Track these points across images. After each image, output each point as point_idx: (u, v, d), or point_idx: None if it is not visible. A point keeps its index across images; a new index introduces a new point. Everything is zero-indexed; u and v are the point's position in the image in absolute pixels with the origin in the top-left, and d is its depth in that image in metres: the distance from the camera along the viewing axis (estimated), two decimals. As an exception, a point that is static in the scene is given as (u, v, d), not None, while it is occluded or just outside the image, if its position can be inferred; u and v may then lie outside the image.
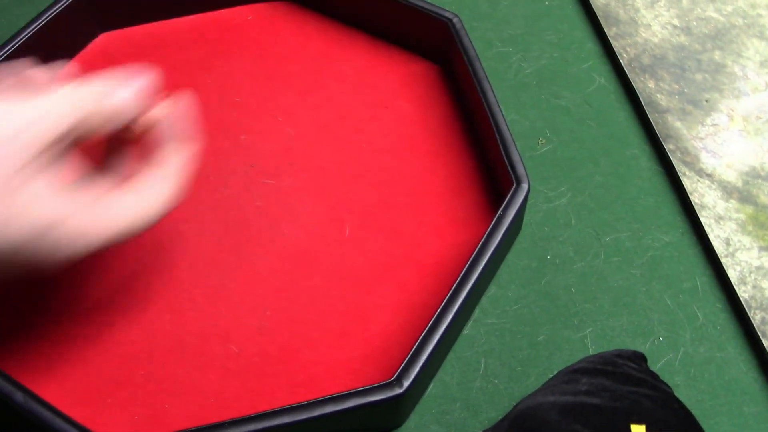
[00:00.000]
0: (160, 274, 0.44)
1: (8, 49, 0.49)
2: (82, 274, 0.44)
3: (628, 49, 0.55)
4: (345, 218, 0.46)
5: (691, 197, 0.47)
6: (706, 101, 0.52)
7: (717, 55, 0.54)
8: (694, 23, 0.56)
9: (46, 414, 0.36)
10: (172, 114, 0.37)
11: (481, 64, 0.48)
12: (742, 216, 0.47)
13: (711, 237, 0.46)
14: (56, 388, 0.40)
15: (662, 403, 0.36)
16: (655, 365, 0.42)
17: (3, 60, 0.49)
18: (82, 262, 0.44)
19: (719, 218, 0.46)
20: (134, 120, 0.35)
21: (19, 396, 0.36)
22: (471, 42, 0.49)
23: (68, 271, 0.44)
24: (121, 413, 0.39)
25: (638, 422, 0.34)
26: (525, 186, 0.43)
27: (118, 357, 0.41)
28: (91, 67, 0.54)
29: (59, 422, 0.35)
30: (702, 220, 0.46)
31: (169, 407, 0.39)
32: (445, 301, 0.39)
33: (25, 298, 0.43)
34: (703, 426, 0.36)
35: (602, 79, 0.54)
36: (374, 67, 0.53)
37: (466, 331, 0.43)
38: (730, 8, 0.57)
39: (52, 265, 0.33)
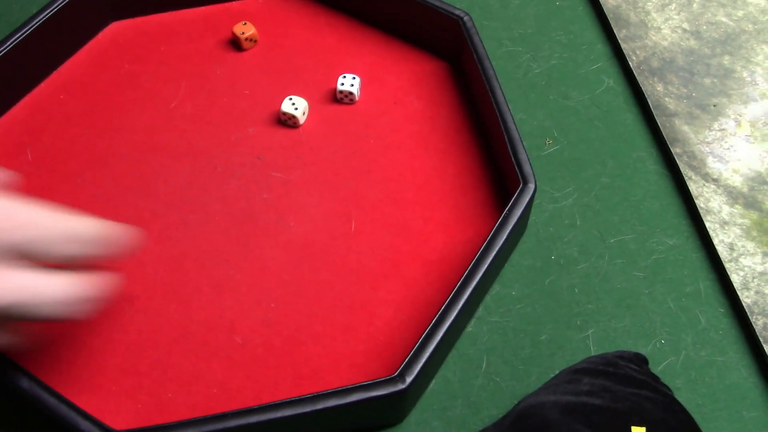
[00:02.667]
0: (166, 263, 0.44)
1: (20, 35, 0.49)
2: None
3: (638, 52, 0.55)
4: (352, 213, 0.47)
5: (696, 201, 0.47)
6: (714, 106, 0.52)
7: (726, 60, 0.54)
8: (704, 27, 0.56)
9: (51, 401, 0.36)
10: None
11: (490, 62, 0.48)
12: (746, 221, 0.47)
13: (715, 242, 0.46)
14: (62, 375, 0.40)
15: (663, 405, 0.36)
16: (657, 368, 0.42)
17: (16, 45, 0.49)
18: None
19: (724, 223, 0.47)
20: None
21: (24, 382, 0.36)
22: (481, 40, 0.49)
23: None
24: (126, 401, 0.39)
25: (639, 424, 0.34)
26: (531, 186, 0.43)
27: (123, 346, 0.41)
28: (101, 55, 0.54)
29: (64, 409, 0.36)
30: (707, 224, 0.46)
31: (173, 396, 0.40)
32: (449, 298, 0.39)
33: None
34: (703, 430, 0.36)
35: (611, 81, 0.54)
36: (385, 63, 0.53)
37: (469, 328, 0.43)
38: (740, 13, 0.57)
39: None
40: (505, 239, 0.41)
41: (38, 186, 0.47)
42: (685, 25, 0.56)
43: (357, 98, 0.51)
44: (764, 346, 0.42)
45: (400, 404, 0.39)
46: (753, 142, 0.50)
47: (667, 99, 0.52)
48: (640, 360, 0.40)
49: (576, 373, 0.39)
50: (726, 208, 0.47)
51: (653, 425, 0.34)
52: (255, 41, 0.54)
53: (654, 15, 0.57)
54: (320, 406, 0.36)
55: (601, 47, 0.56)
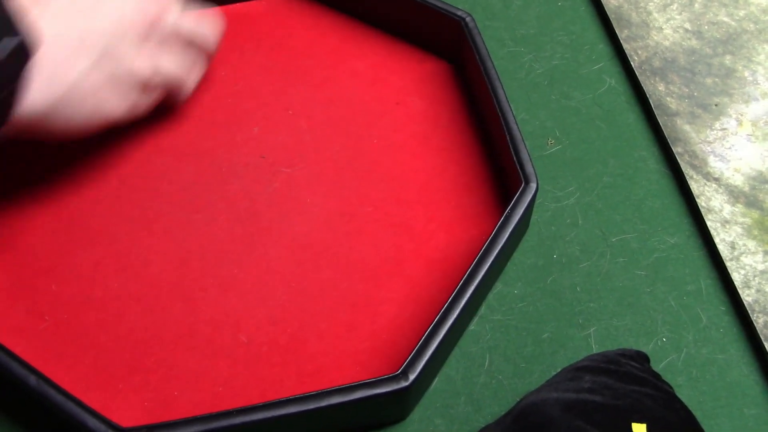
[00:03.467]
0: (172, 262, 0.45)
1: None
2: (96, 261, 0.45)
3: (639, 52, 0.55)
4: (355, 212, 0.47)
5: (697, 200, 0.48)
6: (716, 105, 0.52)
7: (728, 60, 0.55)
8: (706, 27, 0.57)
9: (59, 398, 0.36)
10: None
11: (492, 63, 0.49)
12: (747, 220, 0.47)
13: (716, 240, 0.46)
14: (69, 373, 0.40)
15: (664, 403, 0.36)
16: (658, 365, 0.42)
17: None
18: (96, 245, 0.45)
19: (725, 222, 0.47)
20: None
21: (32, 380, 0.37)
22: (483, 41, 0.50)
23: (82, 257, 0.45)
24: (133, 398, 0.40)
25: (639, 421, 0.35)
26: (533, 185, 0.44)
27: (130, 344, 0.42)
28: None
29: (71, 406, 0.36)
30: (708, 223, 0.47)
31: (179, 394, 0.40)
32: (452, 296, 0.40)
33: (39, 285, 0.44)
34: (704, 427, 0.37)
35: (613, 80, 0.54)
36: (387, 64, 0.54)
37: (472, 326, 0.44)
38: (742, 13, 0.57)
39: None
40: (507, 238, 0.42)
41: (40, 187, 0.48)
42: (687, 25, 0.57)
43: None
44: (765, 343, 0.42)
45: (403, 402, 0.39)
46: (754, 142, 0.51)
47: (668, 99, 0.52)
48: (642, 358, 0.41)
49: (578, 370, 0.39)
50: (727, 207, 0.48)
51: (654, 422, 0.35)
52: None
53: (656, 15, 0.57)
54: (324, 403, 0.36)
55: (602, 47, 0.56)
